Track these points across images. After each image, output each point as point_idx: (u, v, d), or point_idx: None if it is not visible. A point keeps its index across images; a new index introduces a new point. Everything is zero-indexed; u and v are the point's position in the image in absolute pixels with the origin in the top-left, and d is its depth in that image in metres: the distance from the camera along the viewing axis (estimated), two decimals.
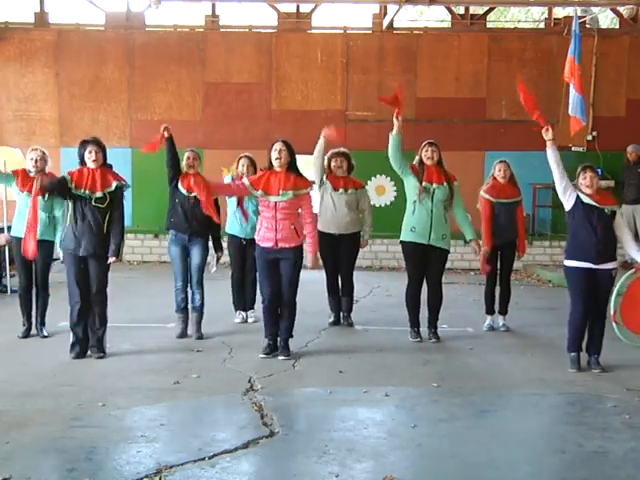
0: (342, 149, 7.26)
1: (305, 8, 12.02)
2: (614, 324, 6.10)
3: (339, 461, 3.86)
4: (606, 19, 14.80)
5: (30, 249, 6.20)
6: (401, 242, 6.70)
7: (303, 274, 6.12)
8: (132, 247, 11.53)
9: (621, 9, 12.24)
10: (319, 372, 5.67)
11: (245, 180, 6.06)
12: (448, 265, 6.95)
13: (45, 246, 6.51)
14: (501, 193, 7.06)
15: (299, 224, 5.99)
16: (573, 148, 11.52)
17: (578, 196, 5.69)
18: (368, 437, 4.25)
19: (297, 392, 5.20)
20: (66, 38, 11.94)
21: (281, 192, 5.83)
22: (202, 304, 6.70)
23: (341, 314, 7.33)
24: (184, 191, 6.49)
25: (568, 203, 5.74)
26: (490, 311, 7.29)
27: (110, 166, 5.96)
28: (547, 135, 5.75)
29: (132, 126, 11.95)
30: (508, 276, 7.27)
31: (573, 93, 7.91)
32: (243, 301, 7.35)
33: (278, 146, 5.89)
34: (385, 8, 11.82)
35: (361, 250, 7.38)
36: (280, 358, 5.98)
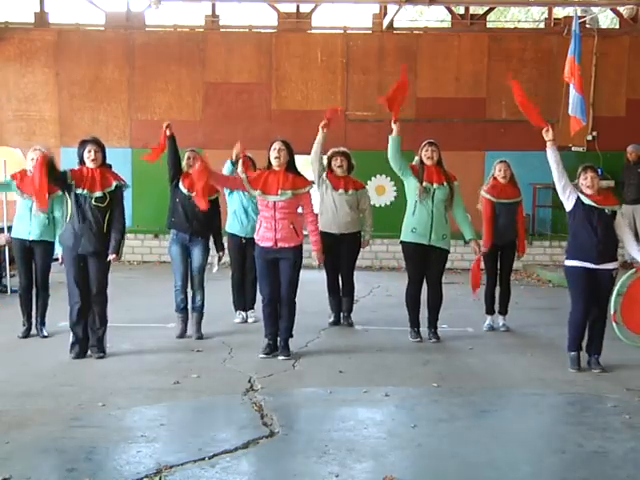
0: (342, 148, 7.26)
1: (305, 8, 12.02)
2: (614, 324, 6.09)
3: (339, 461, 3.86)
4: (606, 19, 14.80)
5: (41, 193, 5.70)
6: (401, 242, 6.70)
7: (303, 274, 6.12)
8: (132, 247, 11.53)
9: (621, 9, 12.23)
10: (319, 372, 5.67)
11: (242, 175, 6.06)
12: (448, 265, 6.94)
13: (45, 246, 6.52)
14: (502, 193, 7.06)
15: (298, 224, 5.99)
16: (573, 148, 11.52)
17: (578, 197, 5.69)
18: (368, 437, 4.25)
19: (297, 392, 5.20)
20: (66, 38, 11.94)
21: (280, 192, 5.83)
22: (202, 304, 6.70)
23: (341, 314, 7.33)
24: (185, 191, 6.49)
25: (568, 203, 5.74)
26: (490, 311, 7.29)
27: (109, 166, 5.95)
28: (547, 136, 5.76)
29: (132, 126, 11.95)
30: (508, 276, 7.28)
31: (573, 93, 7.90)
32: (243, 301, 7.35)
33: (277, 145, 5.90)
34: (385, 8, 11.82)
35: (361, 250, 7.38)
36: (280, 358, 5.98)
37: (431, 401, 4.99)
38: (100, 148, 5.85)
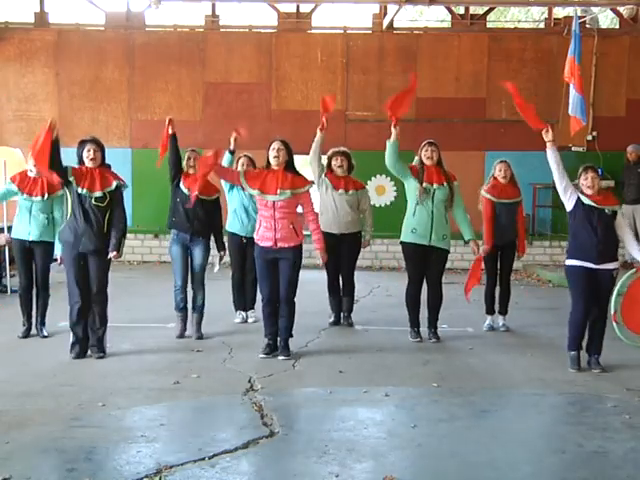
0: (343, 148, 7.27)
1: (305, 8, 12.02)
2: (615, 324, 6.10)
3: (339, 461, 3.86)
4: (606, 19, 14.80)
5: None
6: (401, 243, 6.70)
7: (303, 274, 6.12)
8: (132, 247, 11.53)
9: (621, 9, 12.24)
10: (319, 372, 5.67)
11: (240, 171, 6.07)
12: (448, 265, 6.94)
13: (45, 247, 6.52)
14: (502, 193, 7.06)
15: (298, 223, 5.99)
16: (573, 148, 11.52)
17: (579, 197, 5.69)
18: (368, 437, 4.25)
19: (297, 392, 5.20)
20: (66, 38, 11.94)
21: (279, 191, 5.83)
22: (203, 304, 6.70)
23: (341, 314, 7.33)
24: (186, 190, 6.49)
25: (569, 204, 5.74)
26: (490, 311, 7.30)
27: (108, 166, 5.95)
28: (547, 136, 5.75)
29: (132, 126, 11.95)
30: (508, 276, 7.28)
31: (573, 93, 7.91)
32: (243, 301, 7.34)
33: (276, 145, 5.90)
34: (385, 8, 11.82)
35: (361, 250, 7.38)
36: (280, 358, 5.98)
37: (431, 401, 4.99)
38: (99, 148, 5.84)
